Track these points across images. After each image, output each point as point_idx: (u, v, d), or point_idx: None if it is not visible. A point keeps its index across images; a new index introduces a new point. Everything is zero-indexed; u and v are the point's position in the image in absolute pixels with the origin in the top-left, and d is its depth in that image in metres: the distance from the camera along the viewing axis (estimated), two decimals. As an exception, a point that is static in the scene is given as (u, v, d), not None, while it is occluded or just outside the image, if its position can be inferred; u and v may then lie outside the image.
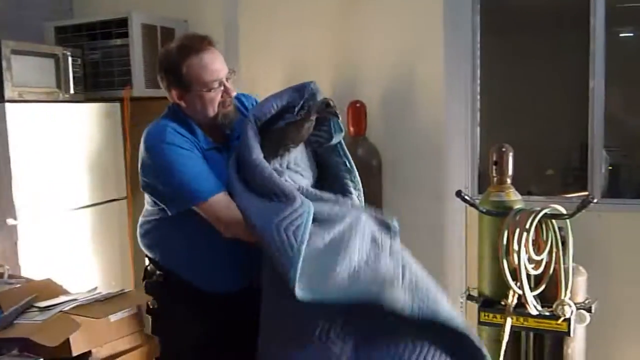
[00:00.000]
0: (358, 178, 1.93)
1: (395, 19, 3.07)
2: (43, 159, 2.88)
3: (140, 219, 1.97)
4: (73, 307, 1.92)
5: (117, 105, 3.26)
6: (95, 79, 3.30)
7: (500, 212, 2.43)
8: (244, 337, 1.80)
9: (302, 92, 1.80)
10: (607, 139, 2.93)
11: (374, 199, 2.61)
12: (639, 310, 2.76)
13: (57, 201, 2.94)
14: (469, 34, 3.01)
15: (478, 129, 3.08)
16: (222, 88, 1.79)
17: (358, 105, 3.06)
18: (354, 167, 1.92)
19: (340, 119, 1.82)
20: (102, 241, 3.17)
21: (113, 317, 1.96)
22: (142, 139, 1.80)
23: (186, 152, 1.73)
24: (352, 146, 2.56)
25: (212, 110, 1.80)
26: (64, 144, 2.98)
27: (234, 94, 1.83)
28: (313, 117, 1.74)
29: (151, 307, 1.95)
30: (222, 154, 1.84)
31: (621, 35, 4.77)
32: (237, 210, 1.67)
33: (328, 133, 1.85)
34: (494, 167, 2.54)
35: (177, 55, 1.78)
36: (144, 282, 2.00)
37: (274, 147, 1.77)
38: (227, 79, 1.81)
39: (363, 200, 1.93)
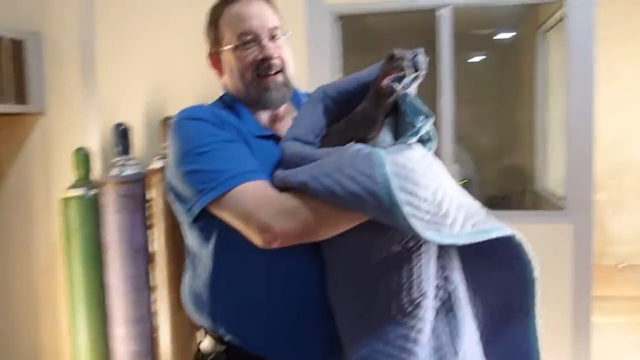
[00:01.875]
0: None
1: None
2: None
3: (184, 276, 1.39)
4: None
5: (-42, 121, 2.97)
6: None
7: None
8: None
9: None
10: (461, 155, 3.13)
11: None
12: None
13: None
14: (327, 53, 3.11)
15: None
16: (257, 48, 1.29)
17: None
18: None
19: (415, 79, 1.15)
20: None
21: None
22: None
23: (215, 129, 1.21)
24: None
25: (242, 78, 1.29)
26: None
27: (280, 58, 1.30)
28: (383, 84, 1.14)
29: None
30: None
31: (473, 58, 5.21)
32: (283, 197, 1.11)
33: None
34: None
35: (214, 10, 1.37)
36: None
37: (340, 138, 1.18)
38: (272, 37, 1.30)
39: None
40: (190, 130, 1.22)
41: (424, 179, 1.04)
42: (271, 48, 1.29)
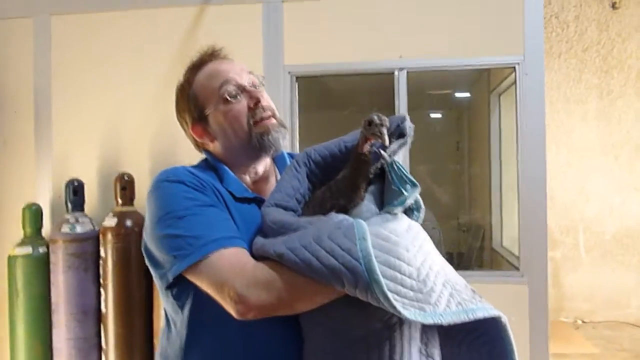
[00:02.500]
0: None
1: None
2: None
3: (160, 340, 1.31)
4: None
5: None
6: None
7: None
8: None
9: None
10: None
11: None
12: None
13: None
14: (287, 111, 3.14)
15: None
16: (244, 95, 1.25)
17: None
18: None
19: (402, 145, 1.13)
20: None
21: None
22: None
23: (195, 193, 1.16)
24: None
25: (239, 128, 1.25)
26: None
27: (266, 101, 1.28)
28: (364, 150, 1.08)
29: None
30: None
31: (433, 114, 5.35)
32: (259, 267, 1.06)
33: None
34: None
35: (185, 83, 1.32)
36: None
37: (321, 207, 1.13)
38: (253, 85, 1.27)
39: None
40: (168, 192, 1.16)
41: (408, 253, 0.99)
42: (258, 92, 1.26)
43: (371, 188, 1.11)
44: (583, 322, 5.04)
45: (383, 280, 0.93)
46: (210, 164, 1.29)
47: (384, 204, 1.10)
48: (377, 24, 3.11)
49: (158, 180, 1.19)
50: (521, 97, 3.03)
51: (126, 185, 2.95)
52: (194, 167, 1.29)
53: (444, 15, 3.08)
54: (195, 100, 1.28)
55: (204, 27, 3.15)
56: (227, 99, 1.24)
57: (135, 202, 2.98)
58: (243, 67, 1.29)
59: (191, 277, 1.10)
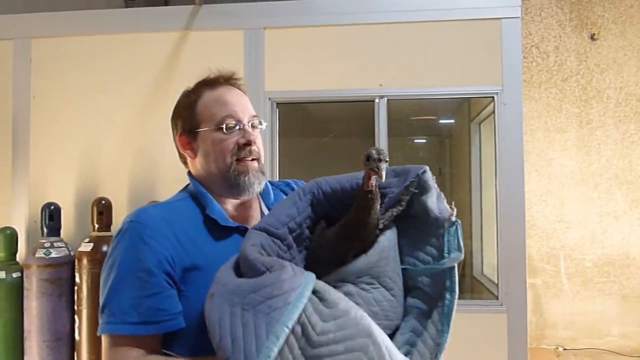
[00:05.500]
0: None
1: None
2: None
3: None
4: None
5: None
6: None
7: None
8: None
9: (403, 177, 1.16)
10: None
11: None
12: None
13: None
14: (267, 137, 3.15)
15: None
16: (238, 132, 1.26)
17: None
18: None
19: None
20: None
21: None
22: None
23: (137, 252, 1.13)
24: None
25: (221, 160, 1.25)
26: None
27: (257, 146, 1.29)
28: (370, 185, 1.05)
29: None
30: None
31: (415, 140, 5.39)
32: None
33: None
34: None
35: (192, 92, 1.32)
36: None
37: (335, 250, 1.10)
38: (251, 126, 1.29)
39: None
40: (124, 242, 1.16)
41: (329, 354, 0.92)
42: (253, 134, 1.28)
43: (388, 233, 1.11)
44: (564, 349, 5.02)
45: None
46: (192, 192, 1.29)
47: (406, 254, 1.13)
48: (358, 52, 3.14)
49: (125, 221, 1.19)
50: (500, 126, 3.06)
51: (103, 210, 2.92)
52: (174, 198, 1.30)
53: (424, 45, 3.12)
54: (194, 114, 1.29)
55: (185, 53, 3.16)
56: (224, 130, 1.25)
57: (112, 227, 2.95)
58: (249, 106, 1.31)
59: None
